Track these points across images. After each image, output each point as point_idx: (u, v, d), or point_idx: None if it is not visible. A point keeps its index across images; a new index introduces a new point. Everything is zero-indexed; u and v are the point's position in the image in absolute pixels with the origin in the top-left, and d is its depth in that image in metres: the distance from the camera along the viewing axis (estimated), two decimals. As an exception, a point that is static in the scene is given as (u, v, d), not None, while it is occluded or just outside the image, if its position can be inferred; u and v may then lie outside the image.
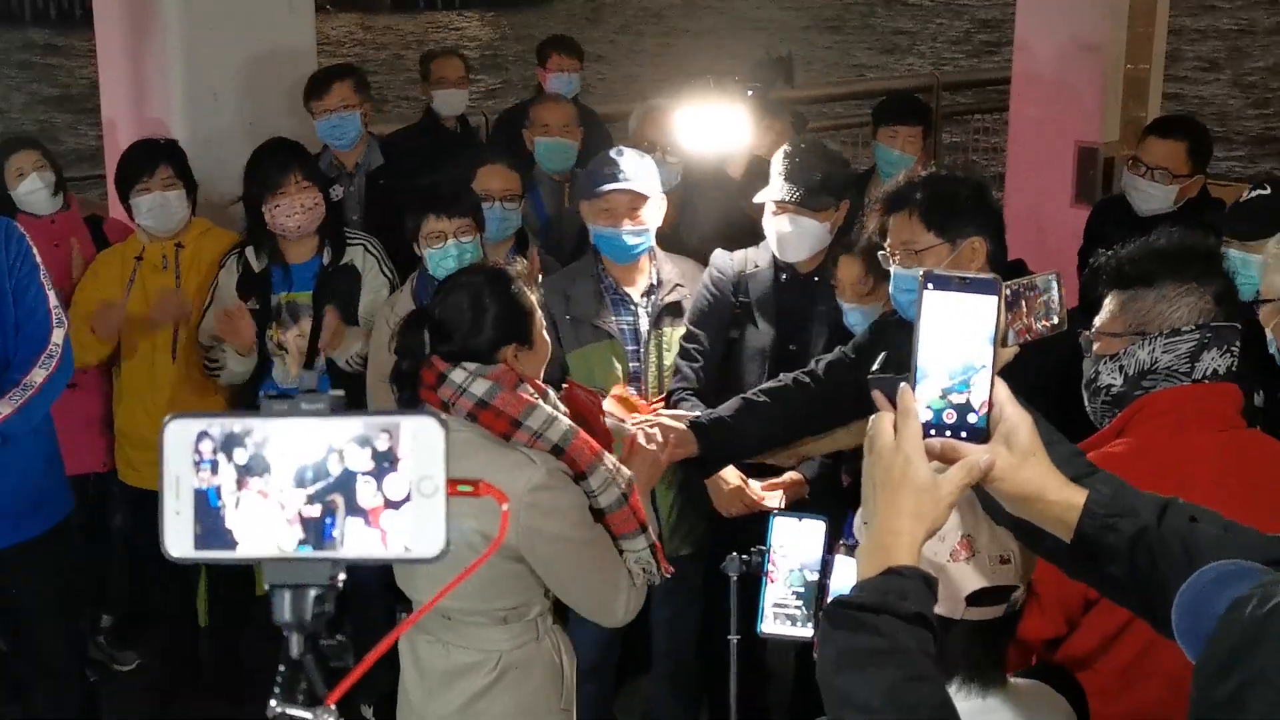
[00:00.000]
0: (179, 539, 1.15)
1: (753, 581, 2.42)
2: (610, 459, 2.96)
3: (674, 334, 3.97)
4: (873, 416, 1.54)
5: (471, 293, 2.94)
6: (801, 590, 2.25)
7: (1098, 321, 2.54)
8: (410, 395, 2.94)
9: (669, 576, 3.05)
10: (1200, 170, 4.74)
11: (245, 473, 1.13)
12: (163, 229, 4.44)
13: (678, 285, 3.99)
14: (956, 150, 10.21)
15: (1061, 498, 1.58)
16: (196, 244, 4.51)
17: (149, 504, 4.52)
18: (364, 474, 1.13)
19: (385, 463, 1.13)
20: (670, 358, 3.96)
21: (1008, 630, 1.95)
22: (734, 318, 3.90)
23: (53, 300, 3.76)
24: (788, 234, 3.80)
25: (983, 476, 1.52)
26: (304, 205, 4.24)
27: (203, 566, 4.78)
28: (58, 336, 3.73)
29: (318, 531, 1.13)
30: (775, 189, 3.82)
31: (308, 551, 1.13)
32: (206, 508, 1.14)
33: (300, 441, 1.13)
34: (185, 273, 4.48)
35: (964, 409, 1.51)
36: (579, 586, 2.94)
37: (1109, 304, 2.53)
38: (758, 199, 3.88)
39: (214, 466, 1.13)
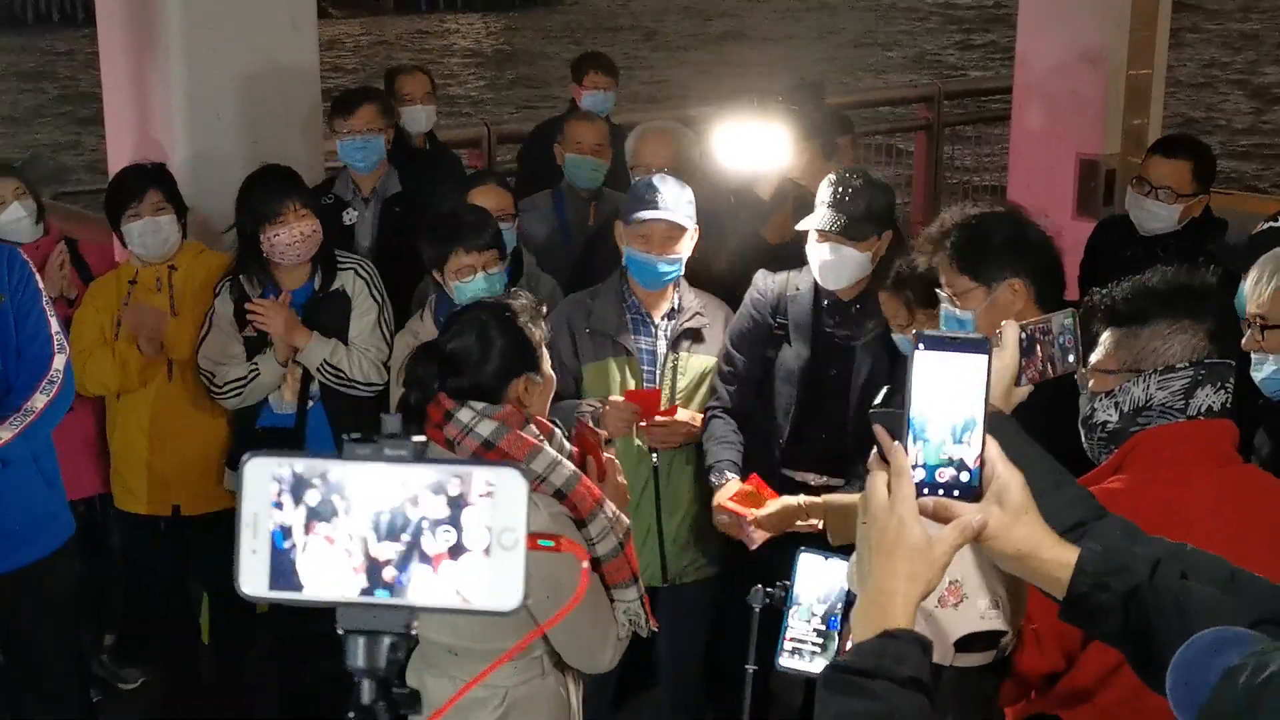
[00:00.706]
0: (254, 578, 1.13)
1: (774, 614, 2.45)
2: (610, 507, 2.96)
3: (689, 359, 4.01)
4: (868, 476, 1.55)
5: (480, 327, 2.95)
6: (822, 628, 2.28)
7: (1093, 358, 2.56)
8: (415, 429, 2.90)
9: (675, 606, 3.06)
10: (1204, 190, 4.75)
11: (318, 516, 1.12)
12: (155, 254, 4.42)
13: (698, 313, 4.05)
14: (958, 169, 10.21)
15: (1054, 556, 1.60)
16: (189, 266, 4.50)
17: (146, 526, 4.57)
18: (443, 523, 1.11)
19: (466, 513, 1.12)
20: (684, 382, 3.99)
21: (998, 675, 1.96)
22: (772, 338, 3.96)
23: (54, 326, 3.78)
24: (829, 262, 3.84)
25: (976, 535, 1.53)
26: (303, 233, 4.25)
27: (203, 584, 4.80)
28: (59, 363, 3.75)
29: (394, 579, 1.12)
30: (819, 217, 3.85)
31: (384, 598, 1.12)
32: (280, 547, 1.13)
33: (381, 487, 1.11)
34: (180, 294, 4.47)
35: (957, 467, 1.52)
36: (570, 634, 2.94)
37: (1104, 341, 2.55)
38: (801, 225, 3.91)
39: (289, 506, 1.12)
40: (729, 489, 3.81)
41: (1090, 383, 2.55)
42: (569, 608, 1.38)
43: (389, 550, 1.12)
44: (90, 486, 4.69)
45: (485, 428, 2.86)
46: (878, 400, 2.65)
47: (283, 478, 1.12)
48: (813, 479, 3.93)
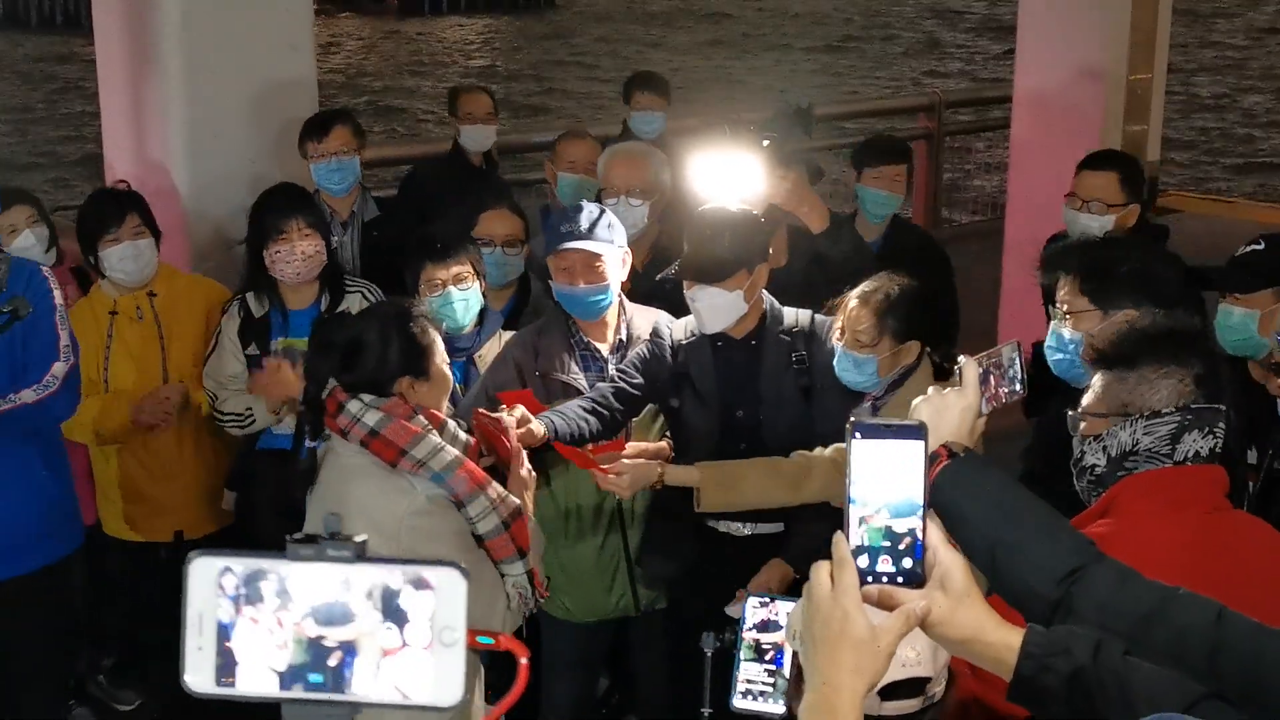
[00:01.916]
0: (200, 674, 1.16)
1: (726, 655, 2.53)
2: (496, 489, 3.20)
3: None
4: (812, 567, 1.55)
5: (375, 327, 3.19)
6: (773, 669, 2.33)
7: (1084, 402, 2.56)
8: (315, 417, 3.20)
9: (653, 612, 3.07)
10: (1135, 199, 4.80)
11: (261, 612, 1.15)
12: (134, 279, 4.38)
13: (644, 339, 3.92)
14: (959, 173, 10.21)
15: (999, 639, 1.60)
16: (168, 289, 4.46)
17: (143, 552, 4.56)
18: (386, 620, 1.14)
19: (408, 610, 1.14)
20: (638, 417, 3.93)
21: None
22: (674, 385, 3.83)
23: (64, 340, 3.80)
24: (700, 309, 3.75)
25: (920, 622, 1.54)
26: (305, 253, 4.24)
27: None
28: (58, 369, 3.74)
29: (336, 674, 1.14)
30: (681, 263, 3.81)
31: (327, 694, 1.14)
32: (225, 643, 1.15)
33: (324, 585, 1.14)
34: (164, 319, 4.43)
35: (898, 554, 1.54)
36: None
37: (1094, 385, 2.55)
38: (660, 275, 3.90)
39: (235, 603, 1.15)
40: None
41: (1080, 426, 2.55)
42: (503, 707, 1.41)
43: (331, 646, 1.14)
44: (87, 514, 4.67)
45: (371, 418, 3.11)
46: (864, 405, 2.60)
47: (228, 576, 1.15)
48: (737, 528, 3.87)
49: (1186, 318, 2.57)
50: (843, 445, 3.44)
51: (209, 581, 1.15)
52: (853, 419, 1.57)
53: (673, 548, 3.91)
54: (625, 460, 3.52)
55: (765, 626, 2.33)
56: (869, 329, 3.52)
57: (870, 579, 1.53)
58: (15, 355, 3.73)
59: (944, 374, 3.54)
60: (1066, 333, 3.17)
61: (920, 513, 1.53)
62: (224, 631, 1.15)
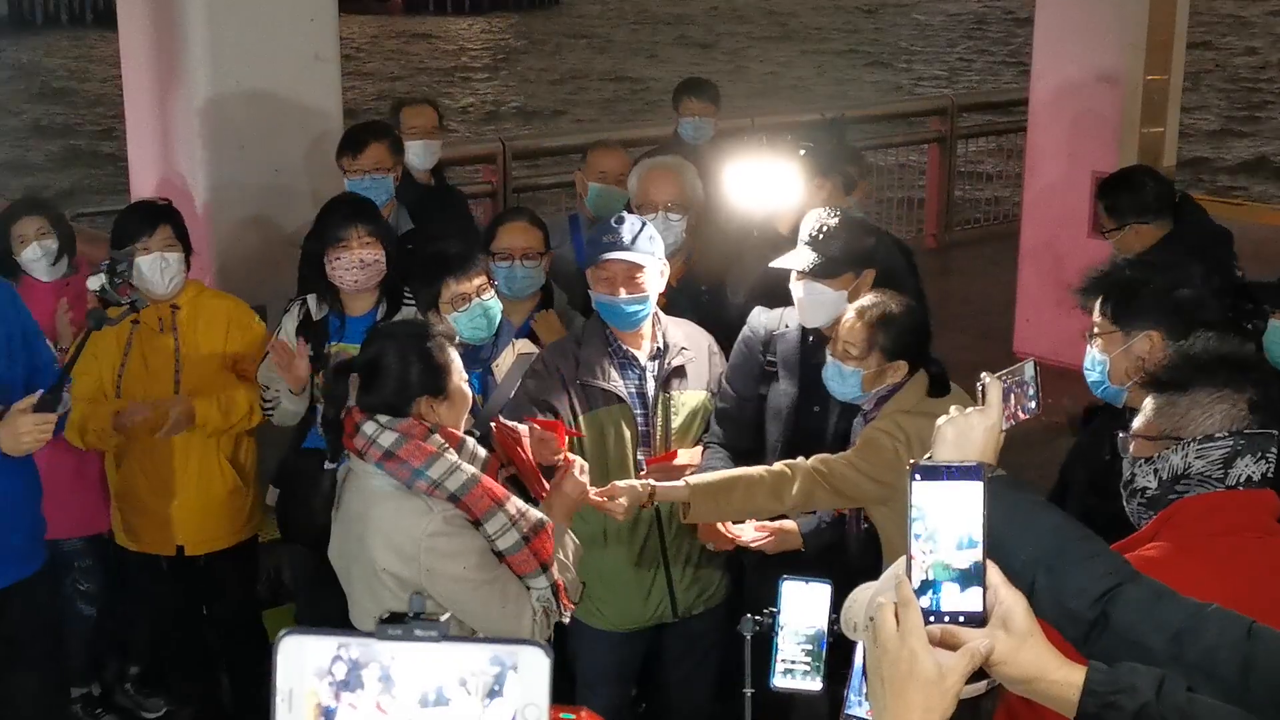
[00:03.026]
0: None
1: (766, 640, 2.62)
2: (515, 505, 3.20)
3: (680, 397, 4.00)
4: (876, 606, 1.58)
5: (393, 348, 3.21)
6: (809, 648, 2.46)
7: (1135, 424, 2.57)
8: (334, 438, 3.23)
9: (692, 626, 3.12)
10: (1133, 220, 4.86)
11: (362, 697, 1.16)
12: (161, 291, 4.37)
13: (683, 348, 4.01)
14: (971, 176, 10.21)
15: (1061, 677, 1.63)
16: (192, 305, 4.46)
17: (148, 564, 4.56)
18: (469, 699, 1.16)
19: (493, 689, 1.16)
20: (678, 421, 3.98)
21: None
22: (764, 374, 3.96)
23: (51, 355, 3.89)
24: (804, 301, 3.85)
25: (984, 661, 1.56)
26: (363, 260, 4.24)
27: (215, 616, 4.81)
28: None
29: None
30: (796, 256, 3.87)
31: None
32: None
33: (407, 666, 1.16)
34: (184, 334, 4.43)
35: (960, 594, 1.56)
36: (482, 621, 3.19)
37: (1146, 407, 2.56)
38: (776, 264, 3.91)
39: (334, 690, 1.17)
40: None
41: (1131, 447, 2.57)
42: None
43: None
44: (104, 523, 4.68)
45: (386, 439, 3.13)
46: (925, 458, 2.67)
47: (321, 655, 1.17)
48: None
49: (1240, 342, 2.58)
50: (827, 455, 3.61)
51: (300, 659, 1.17)
52: (911, 461, 1.61)
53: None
54: (618, 484, 3.60)
55: (802, 608, 2.46)
56: (860, 343, 3.60)
57: (932, 619, 1.55)
58: (15, 374, 3.72)
59: (940, 386, 3.62)
60: (1097, 353, 3.21)
61: (981, 552, 1.56)
62: (328, 715, 1.17)
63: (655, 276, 3.92)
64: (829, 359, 3.69)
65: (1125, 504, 2.60)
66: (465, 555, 3.13)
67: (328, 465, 3.28)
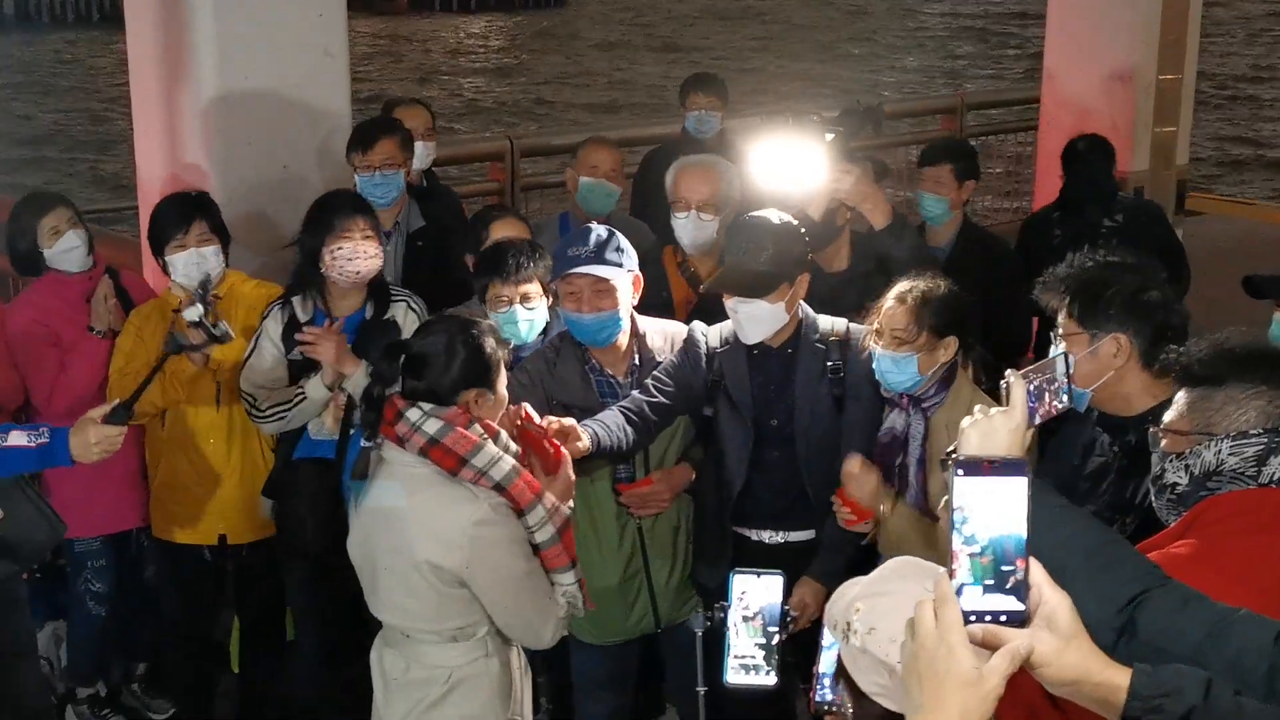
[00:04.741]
0: None
1: (718, 635, 2.59)
2: (550, 499, 3.21)
3: None
4: (915, 603, 1.52)
5: (447, 337, 3.19)
6: (762, 641, 2.41)
7: (1167, 418, 2.52)
8: (375, 417, 3.20)
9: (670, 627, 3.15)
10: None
11: None
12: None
13: (659, 361, 3.88)
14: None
15: (1105, 679, 1.59)
16: (232, 295, 4.45)
17: (183, 557, 4.54)
18: None
19: None
20: (655, 444, 3.88)
21: None
22: (709, 394, 3.81)
23: None
24: (741, 319, 3.73)
25: (1024, 661, 1.51)
26: (366, 253, 4.20)
27: (238, 613, 4.78)
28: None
29: None
30: (721, 275, 3.77)
31: None
32: None
33: None
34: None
35: (1002, 593, 1.50)
36: (513, 612, 3.22)
37: (1178, 402, 2.51)
38: (704, 287, 3.85)
39: None
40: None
41: (1163, 442, 2.51)
42: None
43: None
44: (129, 520, 4.66)
45: (431, 425, 3.11)
46: (951, 448, 2.61)
47: None
48: (769, 536, 3.88)
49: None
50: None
51: None
52: (956, 455, 1.55)
53: (718, 555, 3.90)
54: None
55: (753, 600, 2.41)
56: (907, 326, 3.53)
57: (973, 618, 1.50)
58: None
59: (992, 369, 3.53)
60: (1066, 351, 3.11)
61: (1024, 550, 1.50)
62: None
63: (626, 289, 3.79)
64: (877, 352, 3.57)
65: (1154, 499, 2.55)
66: (509, 544, 3.15)
67: (363, 443, 3.22)
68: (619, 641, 4.04)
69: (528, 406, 3.39)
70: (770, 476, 3.83)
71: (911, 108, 11.13)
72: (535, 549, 3.21)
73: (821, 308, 3.90)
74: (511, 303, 3.92)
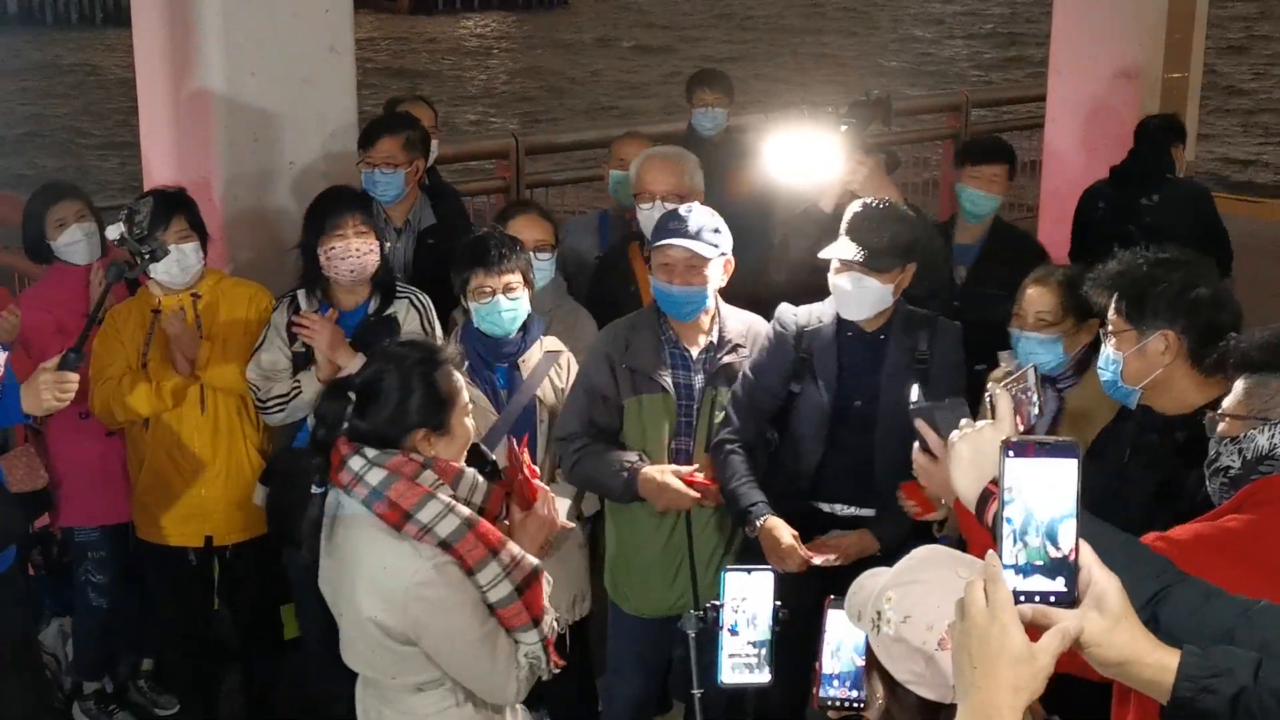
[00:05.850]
0: None
1: (712, 636, 2.58)
2: (510, 552, 2.93)
3: (725, 394, 3.96)
4: (965, 584, 1.53)
5: (395, 372, 2.93)
6: (756, 639, 2.40)
7: (1225, 403, 2.56)
8: (323, 463, 2.93)
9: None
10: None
11: None
12: (179, 282, 4.35)
13: (738, 345, 3.97)
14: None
15: (1155, 660, 1.60)
16: (212, 293, 4.43)
17: (173, 557, 4.51)
18: None
19: None
20: (720, 417, 3.95)
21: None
22: (795, 371, 3.91)
23: None
24: (849, 293, 3.81)
25: (1074, 641, 1.51)
26: (359, 250, 4.20)
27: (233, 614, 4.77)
28: None
29: None
30: (841, 246, 3.81)
31: None
32: None
33: None
34: (205, 322, 4.40)
35: (1051, 574, 1.51)
36: (469, 674, 2.96)
37: (1237, 387, 2.55)
38: (823, 254, 3.87)
39: None
40: (781, 528, 3.78)
41: (1220, 427, 2.54)
42: None
43: None
44: (124, 513, 4.65)
45: (374, 477, 2.86)
46: (914, 397, 2.62)
47: None
48: (840, 509, 3.93)
49: None
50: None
51: None
52: (1006, 438, 1.56)
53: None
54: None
55: (746, 598, 2.40)
56: (1053, 308, 3.79)
57: (1023, 599, 1.51)
58: None
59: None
60: (1110, 352, 3.16)
61: (1074, 532, 1.50)
62: None
63: (717, 270, 3.89)
64: (1021, 337, 3.82)
65: (1208, 483, 2.58)
66: (456, 607, 2.88)
67: (315, 489, 2.96)
68: (658, 618, 4.06)
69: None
70: (844, 457, 3.89)
71: (916, 105, 11.11)
72: (491, 609, 2.92)
73: None
74: (494, 293, 3.98)
